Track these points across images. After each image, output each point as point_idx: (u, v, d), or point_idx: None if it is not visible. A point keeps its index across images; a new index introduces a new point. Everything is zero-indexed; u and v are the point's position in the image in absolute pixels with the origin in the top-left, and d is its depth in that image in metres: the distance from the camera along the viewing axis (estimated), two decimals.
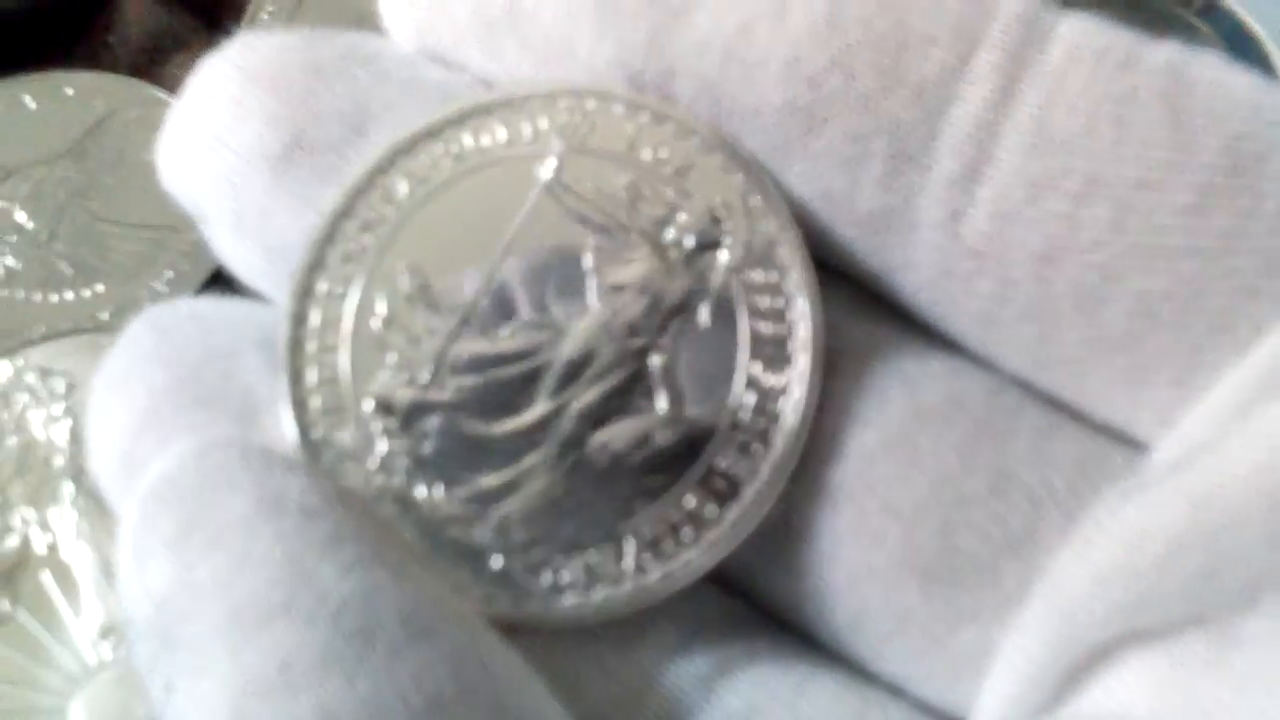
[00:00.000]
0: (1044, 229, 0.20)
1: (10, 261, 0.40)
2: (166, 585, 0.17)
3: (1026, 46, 0.20)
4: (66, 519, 0.35)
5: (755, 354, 0.21)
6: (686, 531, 0.21)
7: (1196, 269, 0.20)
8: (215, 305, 0.23)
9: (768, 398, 0.21)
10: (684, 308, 0.21)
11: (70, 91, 0.44)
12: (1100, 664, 0.19)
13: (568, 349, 0.21)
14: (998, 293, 0.21)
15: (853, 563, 0.21)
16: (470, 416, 0.21)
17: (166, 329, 0.22)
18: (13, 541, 0.34)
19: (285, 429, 0.21)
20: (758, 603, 0.22)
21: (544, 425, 0.21)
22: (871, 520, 0.21)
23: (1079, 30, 0.21)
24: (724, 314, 0.21)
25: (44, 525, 0.35)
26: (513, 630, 0.19)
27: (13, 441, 0.36)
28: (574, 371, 0.21)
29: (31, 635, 0.33)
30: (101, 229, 0.41)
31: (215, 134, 0.22)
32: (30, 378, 0.37)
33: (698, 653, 0.21)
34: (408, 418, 0.21)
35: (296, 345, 0.21)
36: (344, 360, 0.21)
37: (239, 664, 0.16)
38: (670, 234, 0.22)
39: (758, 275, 0.22)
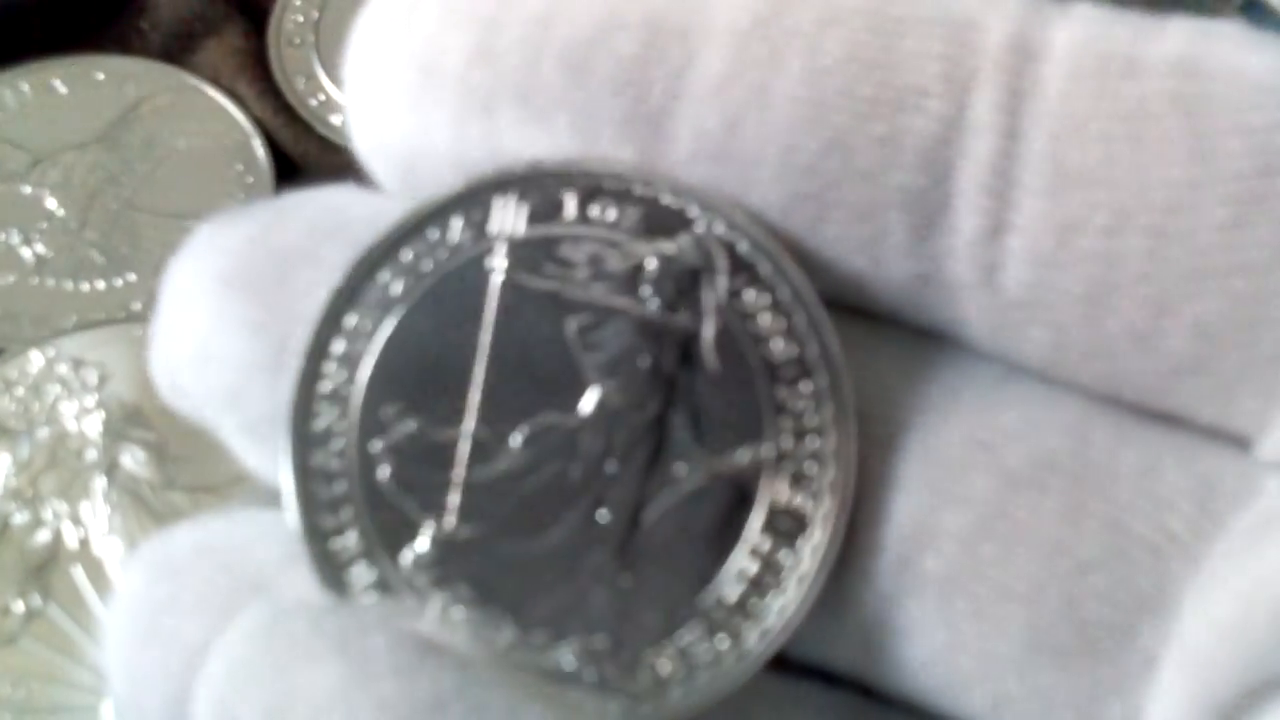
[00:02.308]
0: (1083, 270, 0.19)
1: (41, 249, 0.40)
2: None
3: (1022, 75, 0.19)
4: (99, 513, 0.34)
5: (776, 379, 0.20)
6: (769, 581, 0.20)
7: (1249, 284, 0.19)
8: (220, 528, 0.22)
9: (803, 419, 0.20)
10: (687, 356, 0.20)
11: (101, 77, 0.44)
12: (1247, 715, 0.18)
13: (582, 443, 0.20)
14: (1054, 339, 0.20)
15: (979, 653, 0.20)
16: (511, 541, 0.20)
17: (179, 572, 0.20)
18: (44, 536, 0.34)
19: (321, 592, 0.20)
20: (879, 697, 0.21)
21: (588, 525, 0.20)
22: (989, 607, 0.19)
23: (1075, 38, 0.19)
24: (729, 349, 0.20)
25: (76, 519, 0.34)
26: None
27: (44, 434, 0.35)
28: (599, 461, 0.20)
29: (63, 631, 0.33)
30: (133, 217, 0.41)
31: (202, 350, 0.21)
32: (62, 369, 0.36)
33: None
34: (449, 564, 0.20)
35: (313, 531, 0.20)
36: (367, 528, 0.20)
37: None
38: (647, 287, 0.21)
39: (750, 298, 0.21)
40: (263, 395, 0.21)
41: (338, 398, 0.20)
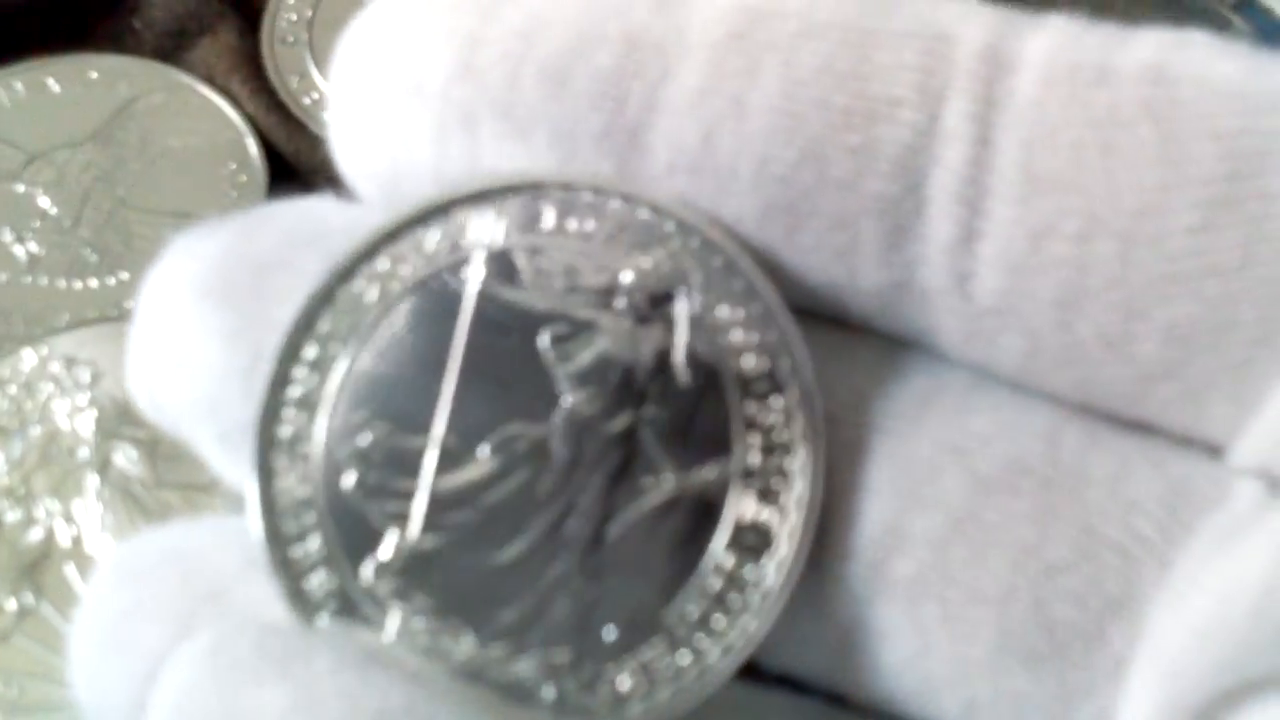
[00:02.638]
0: (1054, 276, 0.19)
1: (34, 247, 0.40)
2: None
3: (994, 84, 0.19)
4: (91, 511, 0.34)
5: (746, 393, 0.20)
6: (734, 598, 0.20)
7: (1220, 288, 0.19)
8: (184, 534, 0.22)
9: (772, 434, 0.20)
10: (659, 369, 0.20)
11: (94, 75, 0.44)
12: (1220, 718, 0.18)
13: (551, 453, 0.20)
14: (1026, 346, 0.20)
15: (950, 658, 0.20)
16: (474, 551, 0.20)
17: (142, 578, 0.21)
18: (36, 534, 0.34)
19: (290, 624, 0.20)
20: (850, 704, 0.21)
21: (553, 536, 0.20)
22: (959, 611, 0.20)
23: (1047, 47, 0.20)
24: (701, 362, 0.20)
25: (68, 517, 0.34)
26: None
27: (36, 432, 0.35)
28: (567, 471, 0.20)
29: (55, 629, 0.33)
30: (126, 215, 0.41)
31: (179, 360, 0.21)
32: (55, 367, 0.36)
33: None
34: (411, 574, 0.20)
35: (275, 535, 0.20)
36: (329, 535, 0.20)
37: None
38: (621, 300, 0.21)
39: (723, 312, 0.21)
40: (238, 404, 0.21)
41: (307, 403, 0.20)
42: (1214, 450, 0.20)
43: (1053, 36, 0.20)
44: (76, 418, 0.36)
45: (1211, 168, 0.19)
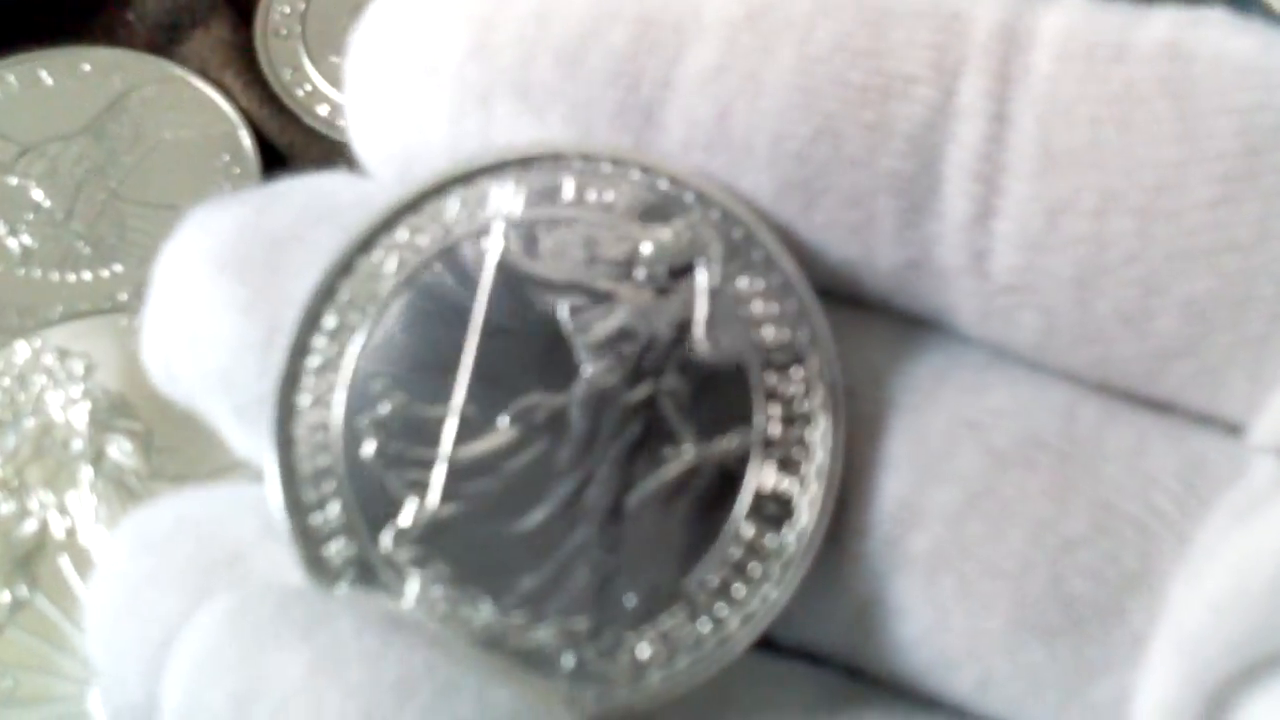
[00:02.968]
0: (1072, 253, 0.19)
1: (27, 240, 0.40)
2: None
3: (1010, 61, 0.19)
4: (85, 503, 0.34)
5: (767, 364, 0.20)
6: (754, 566, 0.20)
7: (1238, 263, 0.19)
8: (199, 501, 0.22)
9: (793, 405, 0.20)
10: (679, 340, 0.20)
11: (87, 68, 0.43)
12: (1239, 695, 0.18)
13: (571, 422, 0.20)
14: (1044, 324, 0.20)
15: (966, 631, 0.20)
16: (494, 520, 0.20)
17: (157, 546, 0.21)
18: (31, 526, 0.34)
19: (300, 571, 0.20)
20: (867, 676, 0.21)
21: (573, 505, 0.20)
22: (976, 585, 0.20)
23: (1062, 24, 0.20)
24: (722, 333, 0.20)
25: (62, 509, 0.34)
26: None
27: (30, 424, 0.35)
28: (586, 441, 0.20)
29: (50, 621, 0.33)
30: (120, 208, 0.41)
31: (195, 333, 0.21)
32: (48, 359, 0.36)
33: None
34: (431, 541, 0.20)
35: (294, 503, 0.20)
36: (349, 503, 0.20)
37: None
38: (641, 271, 0.21)
39: (743, 284, 0.21)
40: (254, 376, 0.21)
41: (326, 372, 0.20)
42: (1232, 430, 0.20)
43: (1068, 14, 0.20)
44: (70, 410, 0.36)
45: (1228, 143, 0.19)
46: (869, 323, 0.21)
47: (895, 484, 0.20)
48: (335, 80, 0.43)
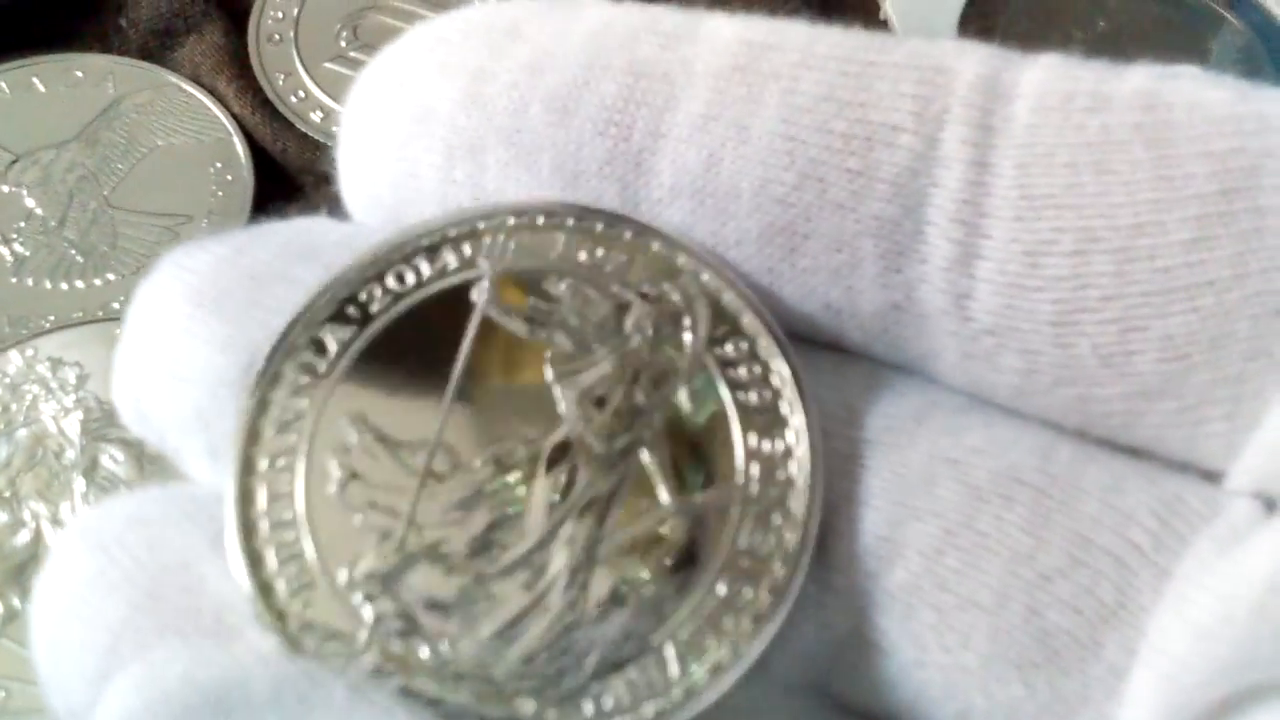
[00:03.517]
0: (1051, 294, 0.20)
1: (19, 248, 0.40)
2: None
3: (991, 113, 0.20)
4: (78, 513, 0.34)
5: (747, 425, 0.20)
6: (726, 621, 0.20)
7: (1214, 302, 0.19)
8: (153, 502, 0.21)
9: (772, 464, 0.20)
10: (661, 397, 0.20)
11: (80, 75, 0.43)
12: None
13: (548, 468, 0.20)
14: (1024, 365, 0.20)
15: (944, 666, 0.20)
16: (460, 561, 0.19)
17: (107, 546, 0.20)
18: (24, 536, 0.34)
19: (256, 622, 0.19)
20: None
21: (542, 551, 0.19)
22: (953, 618, 0.20)
23: (1042, 79, 0.20)
24: (704, 393, 0.21)
25: (55, 520, 0.34)
26: None
27: (23, 434, 0.35)
28: (562, 489, 0.20)
29: None
30: (112, 215, 0.41)
31: (170, 370, 0.21)
32: (41, 368, 0.36)
33: None
34: (390, 579, 0.19)
35: (248, 529, 0.20)
36: (304, 534, 0.20)
37: None
38: (628, 327, 0.21)
39: (729, 349, 0.21)
40: (229, 414, 0.21)
41: (296, 406, 0.20)
42: (1212, 479, 0.20)
43: (1047, 69, 0.20)
44: (63, 419, 0.35)
45: (1204, 185, 0.19)
46: (847, 366, 0.22)
47: (874, 520, 0.20)
48: (328, 86, 0.43)
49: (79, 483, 0.35)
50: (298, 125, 0.43)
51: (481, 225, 0.21)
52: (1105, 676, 0.19)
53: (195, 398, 0.21)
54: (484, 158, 0.21)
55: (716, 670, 0.19)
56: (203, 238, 0.22)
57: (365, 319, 0.21)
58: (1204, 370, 0.19)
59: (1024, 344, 0.20)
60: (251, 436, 0.20)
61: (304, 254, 0.22)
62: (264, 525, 0.20)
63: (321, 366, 0.20)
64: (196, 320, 0.21)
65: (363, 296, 0.21)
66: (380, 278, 0.21)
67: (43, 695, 0.29)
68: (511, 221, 0.21)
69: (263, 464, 0.20)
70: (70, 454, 0.35)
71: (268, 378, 0.20)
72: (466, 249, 0.21)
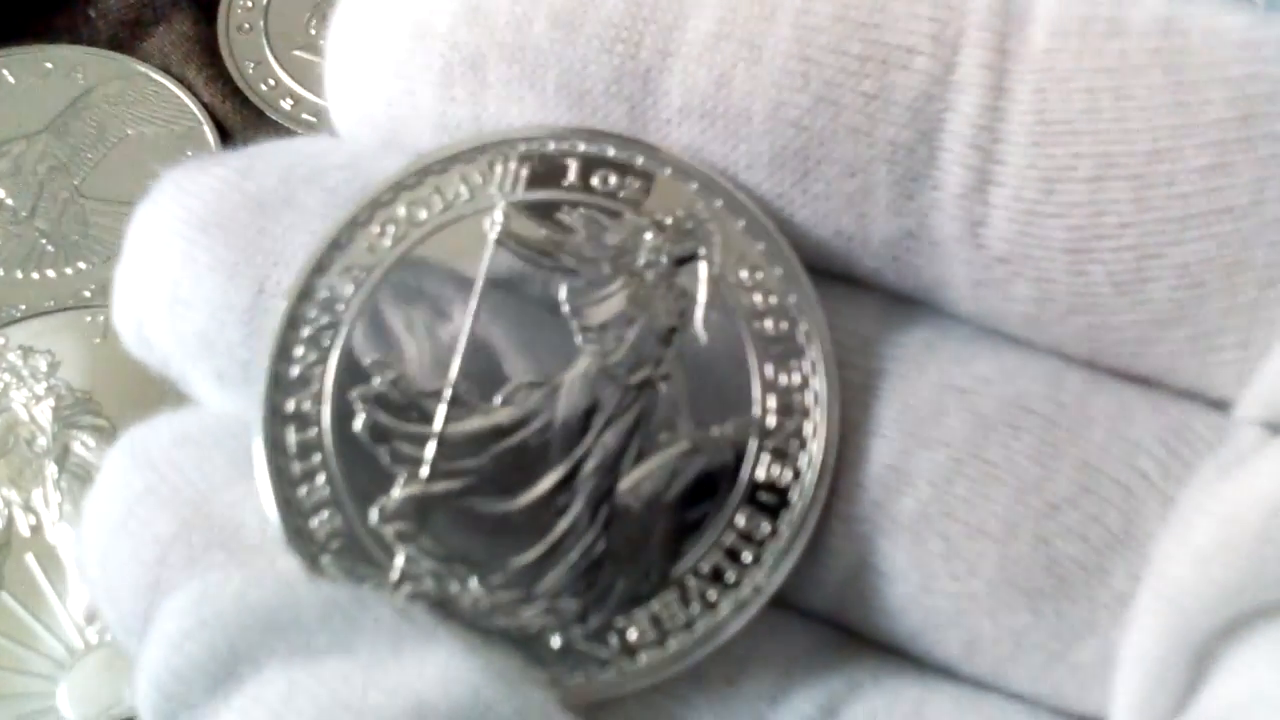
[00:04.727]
0: (1067, 221, 0.19)
1: None
2: None
3: (1008, 36, 0.20)
4: (50, 500, 0.34)
5: (764, 356, 0.20)
6: (746, 554, 0.20)
7: (1231, 229, 0.19)
8: (198, 421, 0.21)
9: (789, 396, 0.20)
10: (677, 328, 0.20)
11: (50, 65, 0.43)
12: (1224, 649, 0.18)
13: (567, 403, 0.20)
14: (1037, 294, 0.20)
15: (952, 594, 0.20)
16: (485, 498, 0.20)
17: (155, 463, 0.20)
18: None
19: (291, 561, 0.19)
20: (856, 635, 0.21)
21: (565, 487, 0.20)
22: (961, 547, 0.20)
23: (1058, 2, 0.20)
24: (720, 323, 0.20)
25: (27, 507, 0.34)
26: (595, 707, 0.19)
27: None
28: (581, 424, 0.20)
29: (17, 619, 0.33)
30: (83, 205, 0.41)
31: (175, 295, 0.21)
32: (12, 356, 0.36)
33: (798, 696, 0.20)
34: (419, 517, 0.19)
35: (280, 472, 0.20)
36: (336, 475, 0.20)
37: None
38: (642, 257, 0.21)
39: (744, 275, 0.21)
40: (236, 339, 0.21)
41: (318, 343, 0.20)
42: (1217, 407, 0.20)
43: None
44: (34, 407, 0.35)
45: (1223, 111, 0.19)
46: (859, 296, 0.22)
47: (883, 449, 0.20)
48: (298, 74, 0.43)
49: (51, 469, 0.35)
50: (268, 113, 0.43)
51: (493, 153, 0.21)
52: (1111, 604, 0.19)
53: (201, 323, 0.21)
54: (485, 74, 0.21)
55: (739, 605, 0.20)
56: (200, 159, 0.22)
57: (379, 253, 0.21)
58: (1218, 298, 0.19)
59: (1037, 272, 0.20)
60: (277, 381, 0.20)
61: (308, 178, 0.22)
62: (295, 468, 0.20)
63: (339, 310, 0.20)
64: (203, 245, 0.21)
65: (374, 229, 0.21)
66: (392, 210, 0.21)
67: (20, 681, 0.29)
68: (522, 148, 0.21)
69: (290, 406, 0.20)
70: (42, 441, 0.35)
71: (288, 323, 0.20)
72: (477, 178, 0.21)
